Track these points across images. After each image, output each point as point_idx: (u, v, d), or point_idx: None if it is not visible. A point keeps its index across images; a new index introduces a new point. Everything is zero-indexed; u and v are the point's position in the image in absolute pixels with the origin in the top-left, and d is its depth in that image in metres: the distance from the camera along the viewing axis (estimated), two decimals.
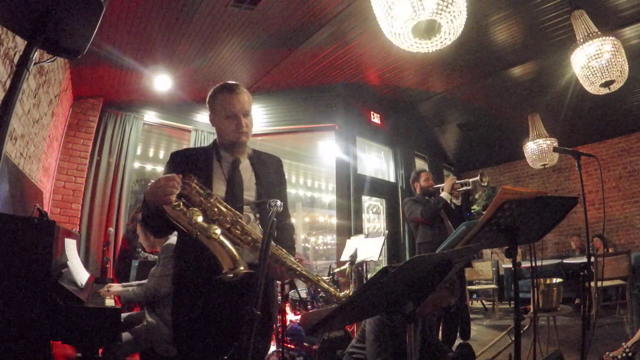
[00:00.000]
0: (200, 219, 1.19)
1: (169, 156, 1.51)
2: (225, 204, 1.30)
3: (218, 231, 1.19)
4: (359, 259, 3.72)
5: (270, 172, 1.58)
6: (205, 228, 1.18)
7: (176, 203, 1.19)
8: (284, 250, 1.37)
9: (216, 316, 1.33)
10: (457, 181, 3.45)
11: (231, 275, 1.14)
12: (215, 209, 1.27)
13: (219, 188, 1.42)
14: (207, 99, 1.54)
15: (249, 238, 1.30)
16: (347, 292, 1.61)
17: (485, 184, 3.44)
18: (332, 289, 1.46)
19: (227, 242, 1.19)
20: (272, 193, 1.49)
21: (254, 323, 0.95)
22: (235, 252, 1.17)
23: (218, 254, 1.16)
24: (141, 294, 2.26)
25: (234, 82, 1.49)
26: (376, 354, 1.86)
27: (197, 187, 1.27)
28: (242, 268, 1.15)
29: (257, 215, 1.46)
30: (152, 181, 1.24)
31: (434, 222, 3.37)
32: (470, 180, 3.47)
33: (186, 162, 1.45)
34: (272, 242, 1.30)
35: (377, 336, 1.89)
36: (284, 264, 1.34)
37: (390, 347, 1.87)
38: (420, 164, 7.00)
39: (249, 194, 1.47)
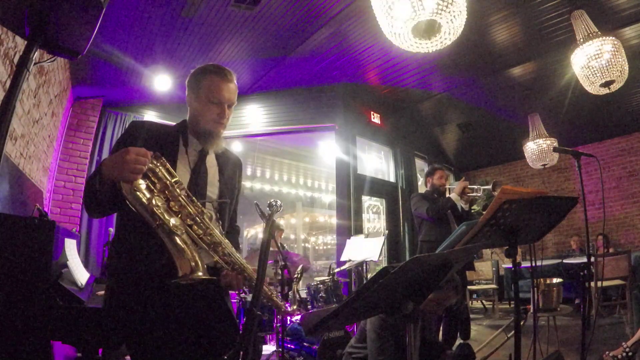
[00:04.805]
0: (161, 208, 1.04)
1: (129, 125, 1.34)
2: (192, 196, 1.16)
3: (182, 227, 1.06)
4: (359, 259, 3.72)
5: (231, 172, 1.46)
6: (167, 221, 1.03)
7: (140, 184, 1.03)
8: (242, 258, 1.28)
9: (170, 324, 1.18)
10: (469, 186, 3.49)
11: (188, 280, 1.01)
12: (181, 200, 1.11)
13: (182, 177, 1.24)
14: (190, 76, 1.38)
15: (210, 239, 1.17)
16: (294, 307, 1.58)
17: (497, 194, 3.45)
18: (280, 303, 1.44)
19: (189, 242, 1.06)
20: (230, 194, 1.41)
21: (254, 323, 0.95)
22: (196, 255, 1.04)
23: (177, 253, 1.02)
24: None
25: (225, 68, 1.36)
26: (378, 353, 1.87)
27: (165, 171, 1.11)
28: (200, 273, 1.02)
29: (218, 215, 1.34)
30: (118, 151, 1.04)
31: (439, 221, 3.40)
32: (482, 187, 3.53)
33: (149, 137, 1.27)
34: (235, 252, 1.24)
35: (379, 335, 1.89)
36: (242, 272, 1.26)
37: (391, 346, 1.87)
38: (420, 164, 7.00)
39: (212, 190, 1.35)
